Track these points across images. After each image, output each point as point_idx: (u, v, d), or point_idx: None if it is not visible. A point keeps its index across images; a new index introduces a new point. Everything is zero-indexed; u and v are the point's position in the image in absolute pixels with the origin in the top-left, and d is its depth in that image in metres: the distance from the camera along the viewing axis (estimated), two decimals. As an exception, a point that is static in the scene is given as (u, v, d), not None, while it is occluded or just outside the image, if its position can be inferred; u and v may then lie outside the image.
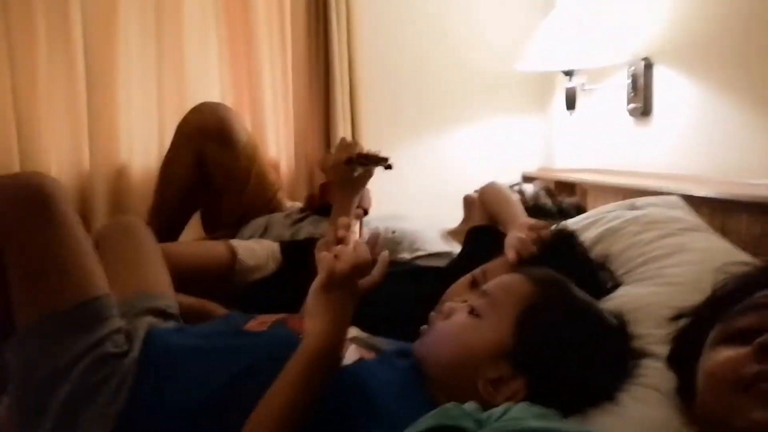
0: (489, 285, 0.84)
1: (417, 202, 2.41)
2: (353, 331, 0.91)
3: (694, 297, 0.79)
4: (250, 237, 1.67)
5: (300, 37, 2.26)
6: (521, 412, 0.59)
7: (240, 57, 2.28)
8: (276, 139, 2.36)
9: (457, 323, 0.81)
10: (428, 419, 0.59)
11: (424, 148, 2.54)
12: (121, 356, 0.82)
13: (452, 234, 1.71)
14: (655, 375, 0.76)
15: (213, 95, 2.17)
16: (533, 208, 1.68)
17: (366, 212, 1.78)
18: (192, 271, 1.17)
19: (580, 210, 1.70)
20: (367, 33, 2.34)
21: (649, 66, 1.98)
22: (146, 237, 1.09)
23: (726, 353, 0.61)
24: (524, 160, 2.59)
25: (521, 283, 0.81)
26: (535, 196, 1.74)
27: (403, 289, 1.16)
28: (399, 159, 2.44)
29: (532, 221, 1.10)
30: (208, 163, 1.65)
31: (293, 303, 1.02)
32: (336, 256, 0.75)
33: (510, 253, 1.02)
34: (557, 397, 0.72)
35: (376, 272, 0.77)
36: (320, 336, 0.72)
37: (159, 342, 0.85)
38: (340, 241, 0.94)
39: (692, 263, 0.93)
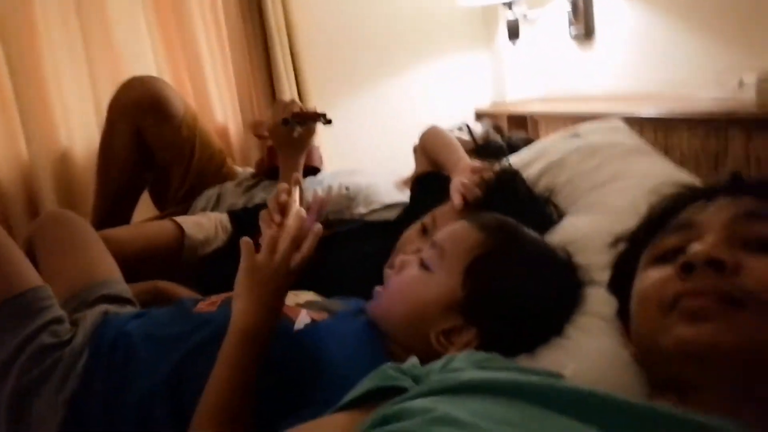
0: (438, 236, 0.84)
1: (373, 152, 2.39)
2: (308, 296, 0.91)
3: (633, 221, 0.80)
4: (203, 209, 1.64)
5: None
6: (462, 361, 0.59)
7: (170, 23, 2.18)
8: (221, 104, 2.30)
9: (408, 278, 0.82)
10: (366, 382, 0.60)
11: (374, 97, 2.50)
12: (61, 345, 0.81)
13: (406, 183, 1.70)
14: (598, 303, 0.77)
15: (148, 66, 2.08)
16: (483, 147, 1.69)
17: (317, 170, 1.76)
18: (139, 254, 1.15)
19: (528, 143, 1.70)
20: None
21: (587, -12, 1.96)
22: (82, 226, 1.06)
23: (653, 274, 0.61)
24: (475, 96, 2.57)
25: (469, 232, 0.81)
26: (485, 134, 1.73)
27: (356, 247, 1.16)
28: (350, 111, 2.44)
29: (473, 164, 1.09)
30: (147, 140, 1.59)
31: None
32: (265, 238, 0.76)
33: (456, 198, 1.02)
34: (509, 341, 0.74)
35: (305, 247, 0.76)
36: (245, 317, 0.72)
37: (112, 329, 0.84)
38: (282, 207, 0.93)
39: (631, 188, 0.94)
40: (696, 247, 0.57)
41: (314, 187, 1.66)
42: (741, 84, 1.25)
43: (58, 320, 0.84)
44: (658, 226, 0.70)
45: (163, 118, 1.56)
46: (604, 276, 0.79)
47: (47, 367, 0.78)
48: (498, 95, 2.52)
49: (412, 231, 1.09)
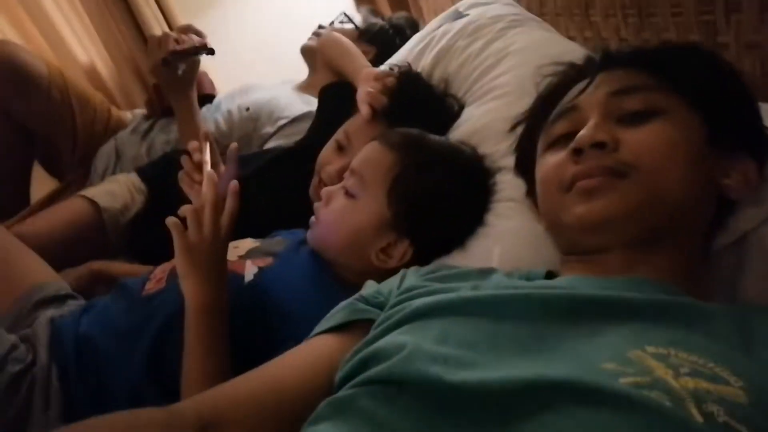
0: (355, 163, 0.88)
1: (256, 58, 2.30)
2: (247, 244, 0.95)
3: (524, 102, 0.86)
4: (105, 169, 1.57)
5: None
6: (412, 277, 0.68)
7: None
8: (79, 42, 2.09)
9: (337, 209, 0.87)
10: (337, 315, 0.67)
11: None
12: (28, 368, 0.81)
13: (304, 89, 1.68)
14: (508, 188, 0.86)
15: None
16: (366, 32, 1.67)
17: (212, 97, 1.70)
18: (61, 242, 1.12)
19: (410, 22, 1.70)
20: None
21: None
22: None
23: (550, 160, 0.69)
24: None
25: (382, 154, 0.86)
26: (365, 19, 1.71)
27: (275, 181, 1.18)
28: (220, 19, 2.29)
29: (376, 71, 1.11)
30: (18, 117, 1.45)
31: None
32: (188, 214, 0.77)
33: (364, 109, 1.05)
34: (440, 243, 0.83)
35: (228, 208, 0.79)
36: (197, 297, 0.75)
37: (68, 336, 0.85)
38: (199, 165, 0.93)
39: (515, 67, 0.99)
40: (581, 133, 0.65)
41: (213, 115, 1.62)
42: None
43: (14, 346, 0.83)
44: (548, 107, 0.77)
45: (28, 88, 1.41)
46: (508, 161, 0.88)
47: (25, 392, 0.79)
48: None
49: (327, 149, 1.12)
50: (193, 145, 0.93)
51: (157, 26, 2.05)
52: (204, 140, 0.92)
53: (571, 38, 1.39)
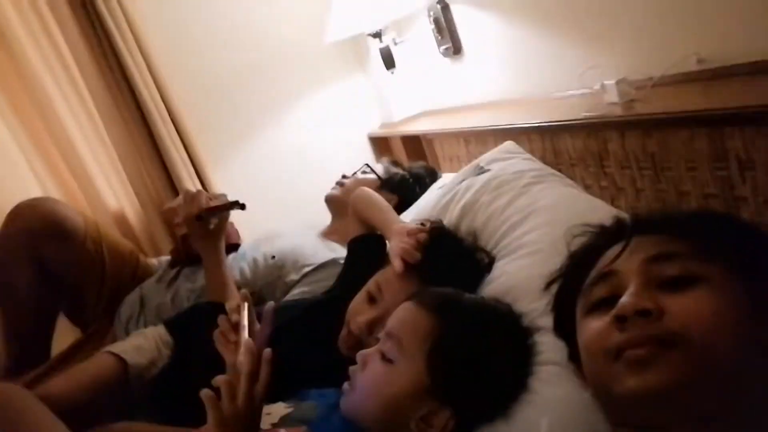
0: (391, 325, 0.88)
1: (280, 200, 2.39)
2: (279, 410, 0.92)
3: (556, 260, 0.87)
4: (129, 318, 1.57)
5: (94, 80, 2.07)
6: None
7: (35, 121, 2.05)
8: (111, 190, 2.20)
9: (373, 374, 0.85)
10: None
11: (266, 143, 2.49)
12: None
13: (327, 235, 1.73)
14: (549, 349, 0.85)
15: (20, 171, 1.95)
16: (388, 181, 1.75)
17: (237, 246, 1.74)
18: (86, 401, 1.09)
19: (428, 171, 1.79)
20: (164, 51, 2.19)
21: (445, 7, 2.06)
22: (20, 401, 0.99)
23: (592, 325, 0.68)
24: (364, 123, 2.64)
25: (419, 317, 0.86)
26: (386, 169, 1.79)
27: (304, 335, 1.17)
28: (246, 164, 2.42)
29: (409, 227, 1.14)
30: (52, 267, 1.49)
31: (203, 380, 1.00)
32: (222, 385, 0.75)
33: (396, 264, 1.06)
34: (482, 412, 0.80)
35: (262, 377, 0.78)
36: None
37: None
38: (235, 326, 0.93)
39: (544, 225, 1.03)
40: (624, 300, 0.65)
41: (239, 263, 1.64)
42: (603, 87, 1.39)
43: None
44: (583, 269, 0.78)
45: (65, 240, 1.48)
46: (546, 321, 0.87)
47: None
48: (386, 117, 2.60)
49: (358, 300, 1.12)
50: (231, 305, 0.94)
51: (185, 173, 2.16)
52: (243, 301, 0.93)
53: (586, 187, 1.45)
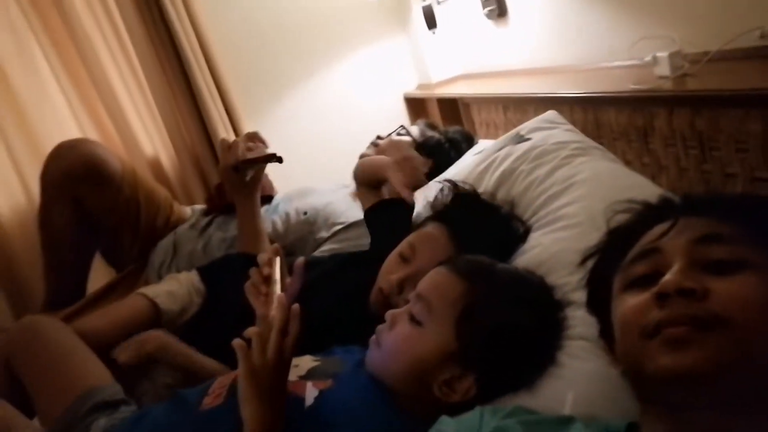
0: (422, 287, 0.88)
1: (313, 156, 2.39)
2: (307, 363, 0.94)
3: (593, 235, 0.86)
4: (162, 263, 1.61)
5: (136, 28, 2.07)
6: (491, 419, 0.65)
7: (76, 65, 2.07)
8: (148, 136, 2.22)
9: (401, 335, 0.86)
10: None
11: (302, 100, 2.48)
12: None
13: (359, 195, 1.72)
14: (580, 324, 0.84)
15: (61, 114, 1.97)
16: (423, 144, 1.73)
17: (271, 198, 1.75)
18: (118, 340, 1.12)
19: (465, 136, 1.76)
20: (206, 1, 2.17)
21: (493, -33, 1.99)
22: (55, 331, 1.03)
23: (630, 301, 0.67)
24: (401, 83, 2.60)
25: (451, 282, 0.86)
26: (422, 132, 1.77)
27: (336, 291, 1.18)
28: (281, 118, 2.41)
29: (395, 158, 1.22)
30: (89, 208, 1.53)
31: (232, 330, 1.03)
32: (253, 337, 0.76)
33: (404, 193, 1.15)
34: (507, 381, 0.80)
35: (292, 331, 0.79)
36: (256, 423, 0.74)
37: None
38: (267, 279, 0.94)
39: (584, 198, 1.01)
40: (667, 277, 0.64)
41: (271, 216, 1.66)
42: (655, 60, 1.33)
43: None
44: (623, 245, 0.76)
45: (102, 183, 1.50)
46: (578, 296, 0.86)
47: None
48: (423, 78, 2.55)
49: (391, 261, 1.12)
50: (263, 258, 0.95)
51: (221, 124, 2.17)
52: (275, 255, 0.93)
53: (627, 162, 1.41)
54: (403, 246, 1.12)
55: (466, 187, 1.16)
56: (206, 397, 0.88)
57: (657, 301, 0.63)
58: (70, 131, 1.92)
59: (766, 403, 0.59)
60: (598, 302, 0.79)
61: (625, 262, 0.74)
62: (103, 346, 1.09)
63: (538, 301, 0.86)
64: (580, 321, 0.84)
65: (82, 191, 1.51)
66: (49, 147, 1.57)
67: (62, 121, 1.93)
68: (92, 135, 2.05)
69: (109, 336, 1.13)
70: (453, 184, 1.18)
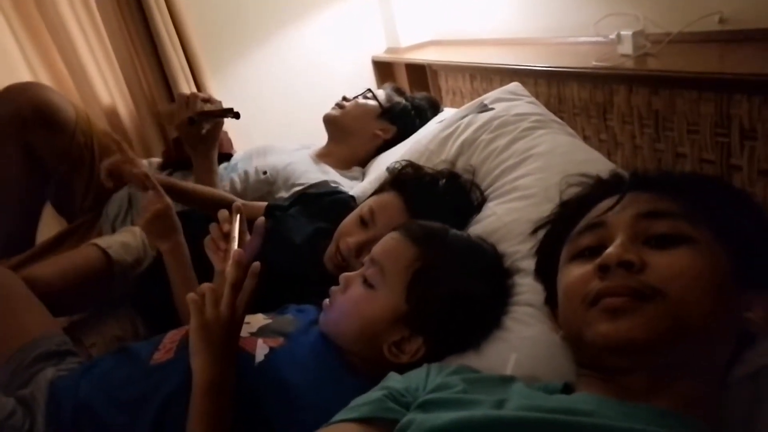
0: (375, 252, 0.89)
1: (275, 115, 2.35)
2: (259, 321, 0.94)
3: (546, 207, 0.89)
4: (116, 215, 1.58)
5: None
6: (437, 375, 0.68)
7: (32, 11, 1.95)
8: (105, 85, 2.14)
9: (354, 297, 0.87)
10: (364, 407, 0.66)
11: (267, 56, 2.42)
12: None
13: (321, 157, 1.71)
14: (527, 291, 0.87)
15: (13, 59, 1.88)
16: (389, 109, 1.72)
17: (230, 156, 1.73)
18: (69, 289, 1.11)
19: (431, 102, 1.76)
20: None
21: (467, -68, 1.96)
22: (2, 277, 1.00)
23: (575, 272, 0.70)
24: (371, 46, 2.56)
25: (404, 247, 0.87)
26: (388, 97, 1.76)
27: (289, 245, 1.18)
28: (243, 75, 2.35)
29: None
30: (40, 154, 1.47)
31: None
32: (207, 291, 0.77)
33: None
34: (454, 343, 0.83)
35: (247, 288, 0.79)
36: (206, 374, 0.75)
37: (66, 402, 0.83)
38: (226, 235, 0.94)
39: (540, 171, 1.03)
40: (609, 250, 0.67)
41: (229, 174, 1.64)
42: (619, 38, 1.35)
43: (12, 412, 0.81)
44: (573, 217, 0.79)
45: (54, 129, 1.45)
46: (527, 264, 0.89)
47: None
48: (392, 42, 2.52)
49: (350, 221, 1.13)
50: (223, 215, 0.95)
51: (182, 76, 2.10)
52: (235, 213, 0.93)
53: (586, 138, 1.44)
54: (363, 209, 1.12)
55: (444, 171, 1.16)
56: (156, 352, 0.89)
57: (598, 273, 0.66)
58: (21, 77, 1.83)
59: (695, 369, 0.63)
60: (546, 271, 0.83)
61: (572, 233, 0.76)
62: (52, 296, 1.07)
63: (487, 268, 0.89)
64: (527, 288, 0.87)
65: (32, 136, 1.45)
66: (-3, 93, 1.50)
67: (13, 65, 1.84)
68: (45, 81, 1.96)
69: (59, 285, 1.11)
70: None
